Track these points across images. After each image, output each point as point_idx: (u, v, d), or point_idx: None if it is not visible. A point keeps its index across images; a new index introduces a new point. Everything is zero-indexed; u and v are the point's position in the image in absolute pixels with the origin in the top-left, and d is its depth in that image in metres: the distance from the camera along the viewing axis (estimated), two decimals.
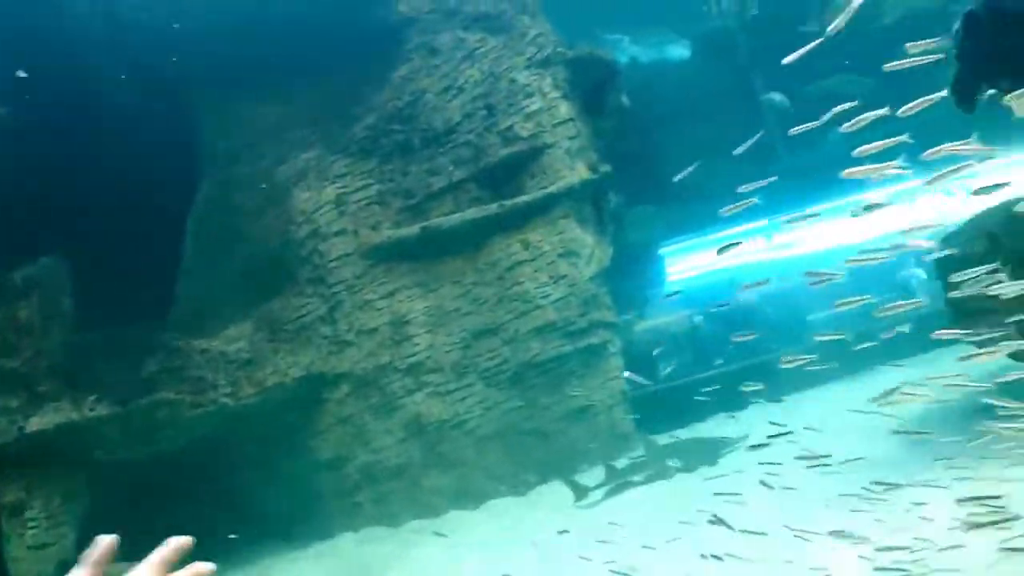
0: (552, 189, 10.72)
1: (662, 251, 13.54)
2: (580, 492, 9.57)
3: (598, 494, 9.53)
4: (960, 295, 8.22)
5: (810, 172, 12.10)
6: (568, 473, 10.07)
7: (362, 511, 10.44)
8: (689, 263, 14.52)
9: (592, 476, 9.92)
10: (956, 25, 6.69)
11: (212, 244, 11.28)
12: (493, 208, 10.75)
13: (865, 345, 7.75)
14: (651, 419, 11.03)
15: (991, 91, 6.57)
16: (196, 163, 11.68)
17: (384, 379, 10.73)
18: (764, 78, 13.50)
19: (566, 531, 8.17)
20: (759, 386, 7.84)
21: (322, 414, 10.62)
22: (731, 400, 10.15)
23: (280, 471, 10.49)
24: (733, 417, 10.75)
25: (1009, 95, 5.65)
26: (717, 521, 6.27)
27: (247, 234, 11.38)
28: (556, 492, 10.07)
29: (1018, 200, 7.99)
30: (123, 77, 10.78)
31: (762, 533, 6.06)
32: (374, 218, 11.24)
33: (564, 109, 10.98)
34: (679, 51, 14.50)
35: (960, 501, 5.46)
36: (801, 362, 7.12)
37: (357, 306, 10.82)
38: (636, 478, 9.65)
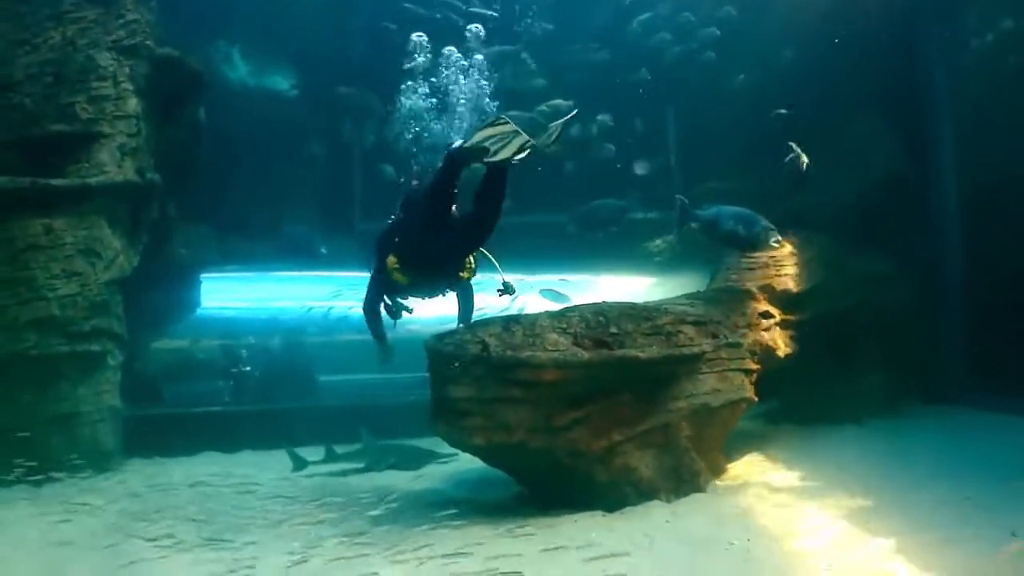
0: (92, 181, 9.99)
1: (213, 276, 13.10)
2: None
3: None
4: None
5: None
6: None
7: None
8: (240, 294, 14.29)
9: None
10: None
11: None
12: (25, 182, 9.85)
13: None
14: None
15: None
16: None
17: None
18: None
19: None
20: None
21: None
22: None
23: None
24: None
25: None
26: None
27: None
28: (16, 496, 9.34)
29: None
30: None
31: None
32: None
33: (132, 104, 10.33)
34: (286, 83, 14.12)
35: None
36: None
37: None
38: None
